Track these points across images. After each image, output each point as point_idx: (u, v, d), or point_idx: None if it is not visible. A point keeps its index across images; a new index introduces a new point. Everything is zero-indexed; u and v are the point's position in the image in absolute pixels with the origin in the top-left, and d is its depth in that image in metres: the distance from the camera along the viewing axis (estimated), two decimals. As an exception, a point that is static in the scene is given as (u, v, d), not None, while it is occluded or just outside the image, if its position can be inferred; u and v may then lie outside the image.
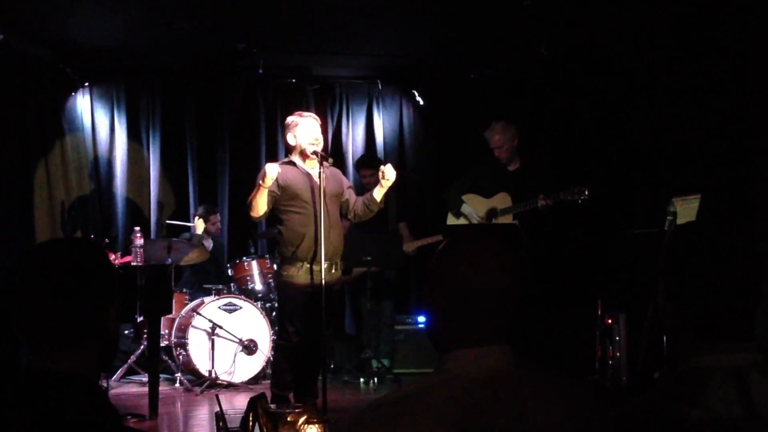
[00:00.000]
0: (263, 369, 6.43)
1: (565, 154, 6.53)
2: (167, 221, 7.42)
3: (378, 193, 5.06)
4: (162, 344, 6.21)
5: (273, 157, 7.35)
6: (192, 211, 7.70)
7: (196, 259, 6.94)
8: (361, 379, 6.55)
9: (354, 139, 8.18)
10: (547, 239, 5.87)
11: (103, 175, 7.63)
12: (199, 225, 7.05)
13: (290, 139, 5.04)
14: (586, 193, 5.44)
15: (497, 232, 5.68)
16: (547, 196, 5.59)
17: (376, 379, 6.42)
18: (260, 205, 4.85)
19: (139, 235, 5.75)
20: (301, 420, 3.42)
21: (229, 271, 6.98)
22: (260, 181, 4.78)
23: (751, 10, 4.97)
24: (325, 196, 4.82)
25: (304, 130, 4.98)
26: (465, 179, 6.21)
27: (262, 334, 6.45)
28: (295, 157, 5.04)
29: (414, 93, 8.14)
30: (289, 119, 5.08)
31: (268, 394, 4.84)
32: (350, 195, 5.22)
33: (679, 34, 5.59)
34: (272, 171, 4.75)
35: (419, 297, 7.45)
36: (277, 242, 5.33)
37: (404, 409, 1.41)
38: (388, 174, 4.95)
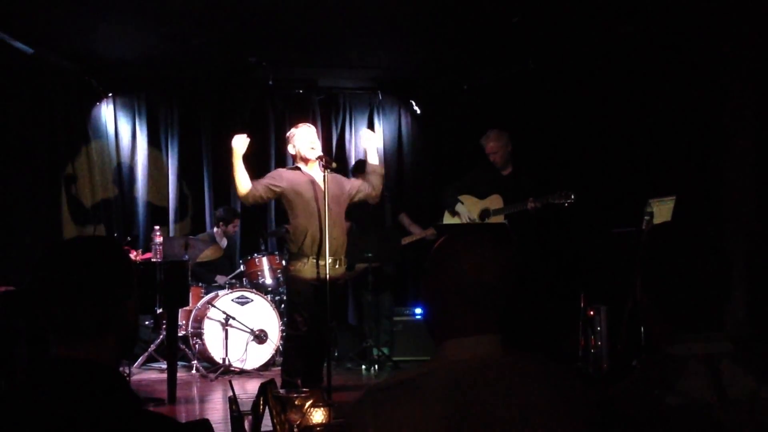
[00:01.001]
0: (273, 357, 6.43)
1: (551, 158, 6.53)
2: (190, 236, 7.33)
3: (372, 159, 5.14)
4: (179, 334, 6.20)
5: (282, 162, 7.39)
6: (208, 211, 7.72)
7: (211, 256, 6.95)
8: (363, 366, 6.54)
9: (356, 145, 8.17)
10: (534, 238, 5.86)
11: (125, 178, 7.63)
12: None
13: (291, 149, 5.15)
14: (573, 197, 5.44)
15: (489, 231, 5.67)
16: (537, 199, 5.58)
17: (376, 366, 6.42)
18: (238, 180, 4.90)
19: (158, 233, 5.76)
20: (308, 404, 3.42)
21: (242, 266, 6.99)
22: (232, 147, 4.92)
23: (721, 29, 4.97)
24: (327, 198, 4.84)
25: (300, 138, 5.06)
26: (462, 181, 6.20)
27: (272, 324, 6.45)
28: (299, 164, 5.09)
29: (411, 103, 8.16)
30: (288, 133, 5.19)
31: (278, 380, 4.82)
32: (358, 183, 5.24)
33: (654, 49, 5.60)
34: (237, 143, 4.90)
35: (417, 290, 7.45)
36: (284, 240, 5.35)
37: (402, 393, 1.41)
38: (367, 137, 5.15)
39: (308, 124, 5.20)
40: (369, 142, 5.23)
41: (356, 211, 6.88)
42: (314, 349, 5.05)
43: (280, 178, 5.03)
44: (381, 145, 5.18)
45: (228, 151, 4.94)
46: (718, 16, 4.99)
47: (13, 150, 6.70)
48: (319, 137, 5.17)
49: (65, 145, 7.29)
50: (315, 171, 5.04)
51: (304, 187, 4.98)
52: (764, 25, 4.70)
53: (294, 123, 5.33)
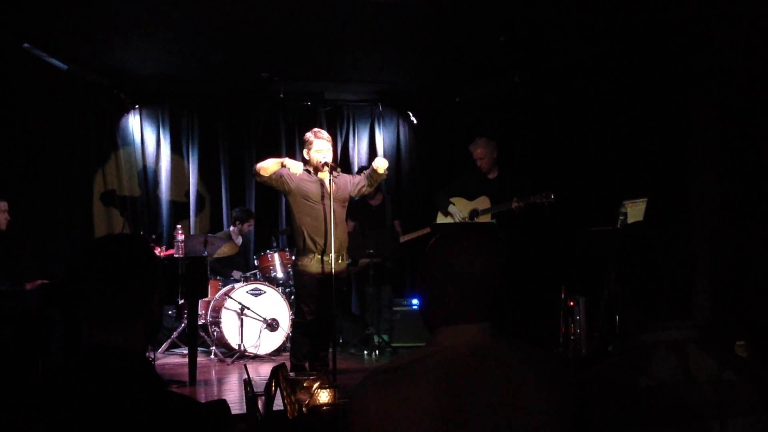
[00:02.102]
0: (284, 343, 6.43)
1: (535, 163, 6.53)
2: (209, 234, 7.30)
3: (380, 171, 5.06)
4: (199, 322, 6.21)
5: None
6: (225, 211, 7.72)
7: (227, 252, 6.95)
8: (365, 352, 6.55)
9: (359, 152, 8.20)
10: (519, 235, 5.86)
11: (150, 181, 7.63)
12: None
13: (305, 154, 5.10)
14: (552, 197, 5.45)
15: (478, 229, 5.67)
16: (520, 199, 5.59)
17: (377, 352, 6.42)
18: (269, 170, 4.92)
19: (180, 231, 5.77)
20: (315, 385, 3.42)
21: (255, 261, 6.99)
22: (284, 161, 4.91)
23: (686, 48, 4.97)
24: (332, 200, 4.84)
25: (315, 151, 5.01)
26: (453, 185, 6.20)
27: (283, 314, 6.45)
28: (311, 168, 5.08)
29: (409, 114, 8.16)
30: (307, 135, 5.13)
31: (288, 364, 4.85)
32: (362, 179, 5.21)
33: (626, 66, 5.59)
34: (295, 168, 4.88)
35: (414, 283, 7.45)
36: (293, 237, 5.35)
37: (401, 375, 1.41)
38: (379, 164, 5.04)
39: (325, 136, 5.10)
40: (382, 162, 5.12)
41: (360, 211, 6.90)
42: (320, 336, 5.05)
43: (293, 177, 5.00)
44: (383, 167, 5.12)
45: (277, 158, 4.95)
46: (683, 36, 4.99)
47: (50, 157, 6.70)
48: (331, 145, 5.14)
49: (96, 151, 7.29)
50: (324, 175, 5.02)
51: (313, 190, 4.98)
52: (724, 42, 4.70)
53: (303, 132, 5.30)
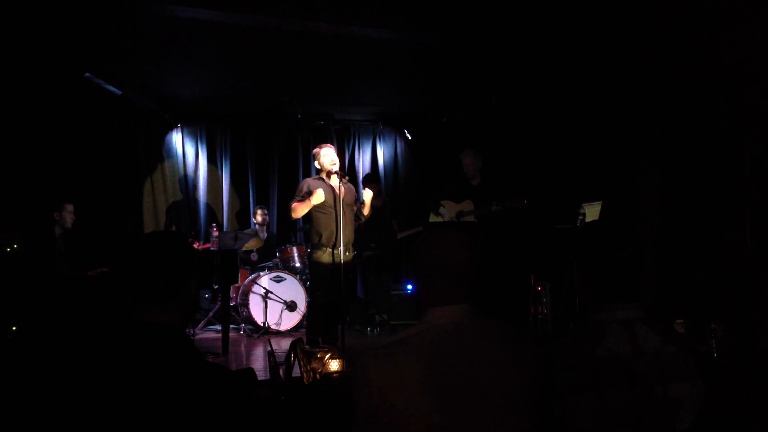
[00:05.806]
0: (301, 321, 6.42)
1: (509, 172, 6.52)
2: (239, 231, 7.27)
3: (364, 208, 5.09)
4: (231, 304, 6.20)
5: (307, 173, 7.40)
6: (252, 212, 7.72)
7: (254, 246, 6.94)
8: (368, 328, 6.53)
9: (363, 163, 8.19)
10: (497, 232, 5.84)
11: (190, 187, 7.63)
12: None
13: (316, 164, 5.06)
14: (525, 202, 5.43)
15: (461, 227, 5.66)
16: (498, 203, 5.57)
17: (378, 329, 6.41)
18: (303, 212, 4.86)
19: (215, 229, 5.76)
20: (327, 356, 3.42)
21: (277, 253, 6.98)
22: (309, 199, 4.81)
23: (634, 80, 4.97)
24: (342, 203, 4.82)
25: (325, 156, 4.98)
26: (442, 190, 6.19)
27: (300, 297, 6.44)
28: (323, 175, 5.05)
29: (405, 131, 8.15)
30: (315, 150, 5.10)
31: (304, 339, 4.84)
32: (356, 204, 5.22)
33: (585, 93, 5.59)
34: (318, 198, 4.80)
35: (408, 271, 7.45)
36: (309, 234, 5.34)
37: (396, 348, 1.41)
38: (364, 196, 5.05)
39: (329, 144, 5.11)
40: (367, 195, 5.13)
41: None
42: (331, 315, 5.04)
43: (309, 189, 4.97)
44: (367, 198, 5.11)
45: (307, 196, 4.87)
46: (628, 71, 4.98)
47: (107, 167, 6.70)
48: (335, 151, 5.13)
49: (145, 163, 7.29)
50: (335, 181, 4.99)
51: (327, 195, 4.96)
52: (664, 77, 4.69)
53: (317, 145, 5.30)
